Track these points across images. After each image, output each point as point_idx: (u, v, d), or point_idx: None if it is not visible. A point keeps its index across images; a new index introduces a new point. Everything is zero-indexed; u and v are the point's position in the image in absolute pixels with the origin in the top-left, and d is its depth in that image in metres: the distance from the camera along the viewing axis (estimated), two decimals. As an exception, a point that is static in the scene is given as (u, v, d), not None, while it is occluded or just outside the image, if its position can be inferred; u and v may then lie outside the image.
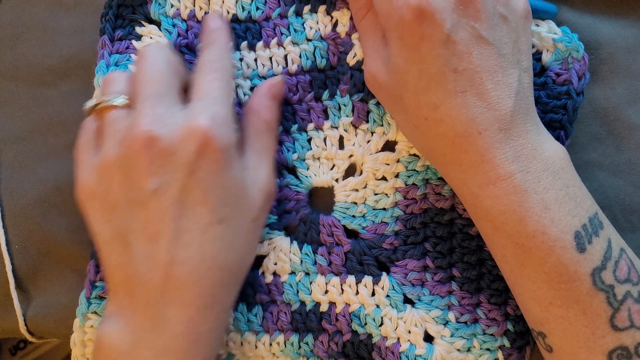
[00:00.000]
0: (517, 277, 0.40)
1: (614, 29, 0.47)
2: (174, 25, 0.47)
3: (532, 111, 0.40)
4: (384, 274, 0.46)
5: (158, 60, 0.40)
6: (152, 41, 0.47)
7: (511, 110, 0.38)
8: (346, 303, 0.46)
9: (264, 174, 0.43)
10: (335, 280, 0.46)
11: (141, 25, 0.47)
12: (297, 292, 0.46)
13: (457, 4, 0.37)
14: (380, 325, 0.45)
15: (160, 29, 0.47)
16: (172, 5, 0.47)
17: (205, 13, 0.47)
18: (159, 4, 0.47)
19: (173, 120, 0.38)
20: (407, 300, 0.46)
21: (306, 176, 0.47)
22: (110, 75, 0.42)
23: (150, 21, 0.48)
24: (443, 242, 0.46)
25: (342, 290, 0.46)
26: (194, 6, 0.47)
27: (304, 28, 0.47)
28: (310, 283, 0.46)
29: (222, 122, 0.39)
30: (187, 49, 0.47)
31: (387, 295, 0.45)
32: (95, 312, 0.46)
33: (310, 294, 0.46)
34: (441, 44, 0.37)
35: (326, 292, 0.46)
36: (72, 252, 0.48)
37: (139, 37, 0.47)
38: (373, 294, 0.46)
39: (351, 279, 0.46)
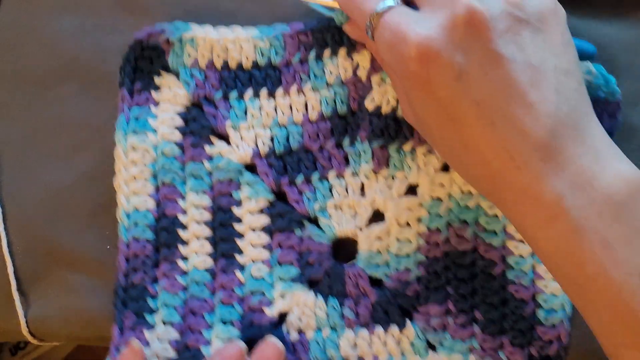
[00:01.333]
0: (583, 314, 0.36)
1: (616, 31, 0.47)
2: (191, 76, 0.46)
3: (584, 124, 0.34)
4: (408, 321, 0.45)
5: None
6: (171, 92, 0.46)
7: (550, 133, 0.33)
8: (374, 355, 0.45)
9: None
10: (364, 332, 0.45)
11: (159, 75, 0.46)
12: (325, 349, 0.45)
13: (463, 31, 0.33)
14: None
15: (178, 79, 0.46)
16: (189, 55, 0.46)
17: (224, 61, 0.46)
18: (177, 54, 0.45)
19: None
20: (429, 345, 0.46)
21: (329, 226, 0.46)
22: None
23: (169, 71, 0.46)
24: (465, 285, 0.45)
25: (371, 341, 0.45)
26: (212, 54, 0.46)
27: (324, 73, 0.46)
28: (338, 338, 0.45)
29: None
30: (206, 99, 0.46)
31: (412, 343, 0.45)
32: None
33: (338, 350, 0.45)
34: (455, 80, 0.33)
35: (355, 345, 0.45)
36: (73, 254, 0.47)
37: (157, 88, 0.46)
38: (398, 342, 0.45)
39: (379, 329, 0.45)
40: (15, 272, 0.47)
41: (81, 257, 0.47)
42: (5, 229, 0.47)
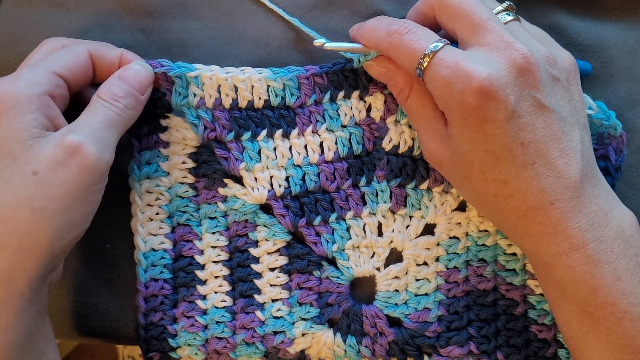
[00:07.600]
0: (579, 344, 0.39)
1: (615, 32, 0.47)
2: (198, 117, 0.44)
3: (597, 171, 0.39)
4: (426, 357, 0.45)
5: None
6: (180, 134, 0.44)
7: (580, 175, 0.37)
8: None
9: (75, 133, 0.38)
10: None
11: (165, 117, 0.44)
12: None
13: (517, 75, 0.37)
14: None
15: (185, 120, 0.44)
16: (194, 95, 0.44)
17: (233, 100, 0.44)
18: (179, 94, 0.43)
19: None
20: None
21: (347, 267, 0.45)
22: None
23: (174, 112, 0.45)
24: (487, 325, 0.45)
25: None
26: (219, 94, 0.44)
27: (339, 114, 0.44)
28: None
29: (20, 79, 0.39)
30: (216, 142, 0.44)
31: None
32: None
33: None
34: (506, 120, 0.36)
35: None
36: (71, 252, 0.45)
37: (164, 129, 0.44)
38: None
39: None
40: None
41: (79, 255, 0.47)
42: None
